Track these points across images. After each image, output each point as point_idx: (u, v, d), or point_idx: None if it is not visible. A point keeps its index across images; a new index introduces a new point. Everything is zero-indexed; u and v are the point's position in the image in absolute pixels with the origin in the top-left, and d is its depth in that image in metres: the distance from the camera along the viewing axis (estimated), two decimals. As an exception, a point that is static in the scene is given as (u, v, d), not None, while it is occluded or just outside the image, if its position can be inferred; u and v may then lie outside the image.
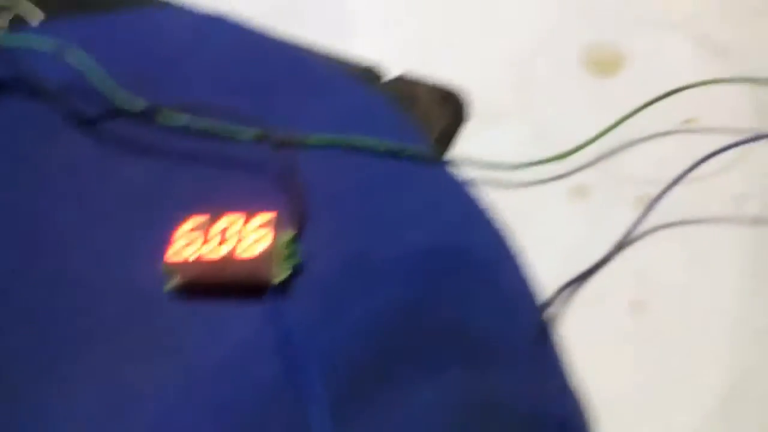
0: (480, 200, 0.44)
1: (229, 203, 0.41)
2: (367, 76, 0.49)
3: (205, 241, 0.39)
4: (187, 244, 0.39)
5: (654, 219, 0.43)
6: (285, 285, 0.39)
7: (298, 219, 0.41)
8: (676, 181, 0.43)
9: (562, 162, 0.45)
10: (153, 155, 0.45)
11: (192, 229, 0.40)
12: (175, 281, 0.39)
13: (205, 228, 0.40)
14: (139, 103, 0.45)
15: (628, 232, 0.43)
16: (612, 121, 0.46)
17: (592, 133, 0.45)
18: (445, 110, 0.48)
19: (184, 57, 0.49)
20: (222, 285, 0.39)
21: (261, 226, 0.39)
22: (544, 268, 0.41)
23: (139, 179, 0.44)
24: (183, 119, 0.45)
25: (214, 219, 0.40)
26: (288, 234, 0.40)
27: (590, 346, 0.39)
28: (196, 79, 0.48)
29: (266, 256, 0.38)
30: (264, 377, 0.37)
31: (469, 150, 0.46)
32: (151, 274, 0.40)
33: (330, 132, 0.45)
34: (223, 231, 0.39)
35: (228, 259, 0.38)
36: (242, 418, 0.36)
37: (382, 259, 0.41)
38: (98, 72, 0.46)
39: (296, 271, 0.40)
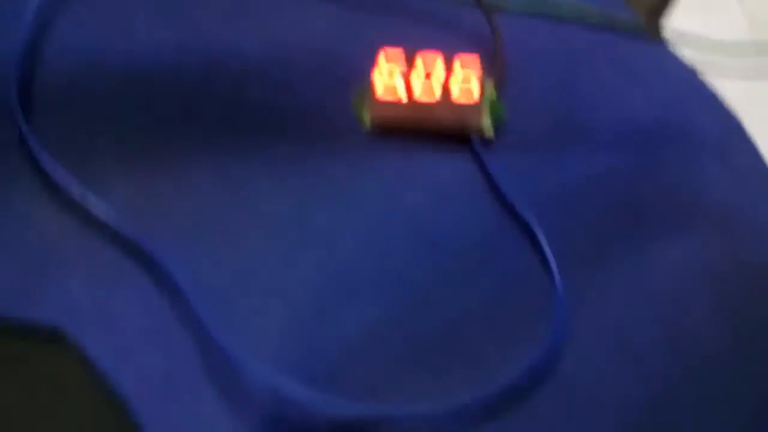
0: (705, 82, 0.39)
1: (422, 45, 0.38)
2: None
3: (408, 80, 0.37)
4: (389, 83, 0.37)
5: None
6: (491, 136, 0.37)
7: (499, 68, 0.38)
8: None
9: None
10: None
11: (390, 66, 0.37)
12: (378, 119, 0.37)
13: (406, 66, 0.37)
14: None
15: None
16: None
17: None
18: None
19: None
20: (427, 129, 0.37)
21: (464, 69, 0.37)
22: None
23: (321, 18, 0.41)
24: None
25: (411, 57, 0.37)
26: (490, 83, 0.37)
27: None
28: None
29: (477, 104, 0.36)
30: (476, 221, 0.35)
31: (679, 30, 0.41)
32: (344, 108, 0.37)
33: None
34: (427, 71, 0.37)
35: (441, 104, 0.36)
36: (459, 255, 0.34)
37: (596, 125, 0.37)
38: None
39: (501, 124, 0.37)
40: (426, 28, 0.40)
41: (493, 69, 0.38)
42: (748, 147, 0.37)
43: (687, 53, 0.39)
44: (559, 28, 0.40)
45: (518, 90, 0.38)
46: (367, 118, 0.37)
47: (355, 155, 0.36)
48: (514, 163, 0.36)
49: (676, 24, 0.42)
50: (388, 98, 0.37)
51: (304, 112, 0.37)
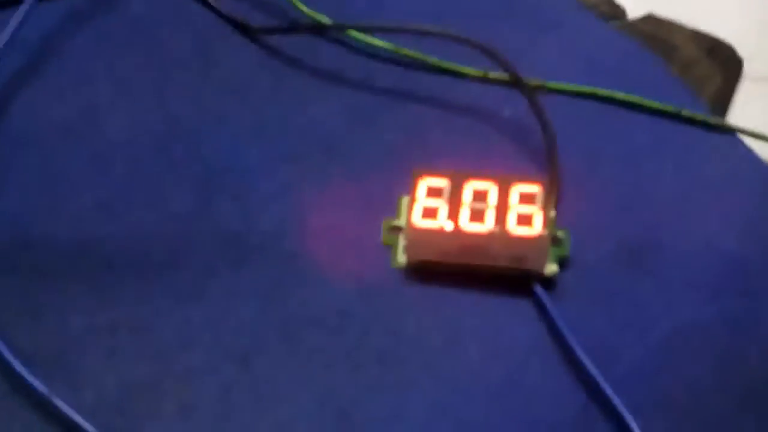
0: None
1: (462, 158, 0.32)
2: (605, 9, 0.38)
3: (455, 209, 0.30)
4: (430, 210, 0.30)
5: None
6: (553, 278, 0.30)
7: (557, 191, 0.31)
8: None
9: None
10: (344, 84, 0.35)
11: (431, 191, 0.30)
12: (415, 254, 0.30)
13: (450, 192, 0.30)
14: (322, 17, 0.36)
15: None
16: None
17: None
18: (715, 66, 0.36)
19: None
20: (474, 270, 0.29)
21: (524, 200, 0.30)
22: None
23: (330, 116, 0.34)
24: (382, 41, 0.35)
25: (458, 182, 0.30)
26: (552, 212, 0.30)
27: None
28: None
29: (539, 241, 0.29)
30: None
31: (743, 118, 0.35)
32: (370, 244, 0.30)
33: (568, 75, 0.34)
34: (478, 199, 0.30)
35: (493, 237, 0.29)
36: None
37: (670, 257, 0.30)
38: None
39: (564, 261, 0.30)
40: (454, 126, 0.34)
41: (550, 185, 0.31)
42: None
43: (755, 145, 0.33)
44: (616, 122, 0.34)
45: (576, 210, 0.31)
46: (400, 254, 0.30)
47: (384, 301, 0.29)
48: (584, 314, 0.29)
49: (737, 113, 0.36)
50: (428, 226, 0.29)
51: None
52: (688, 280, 0.30)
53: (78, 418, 0.27)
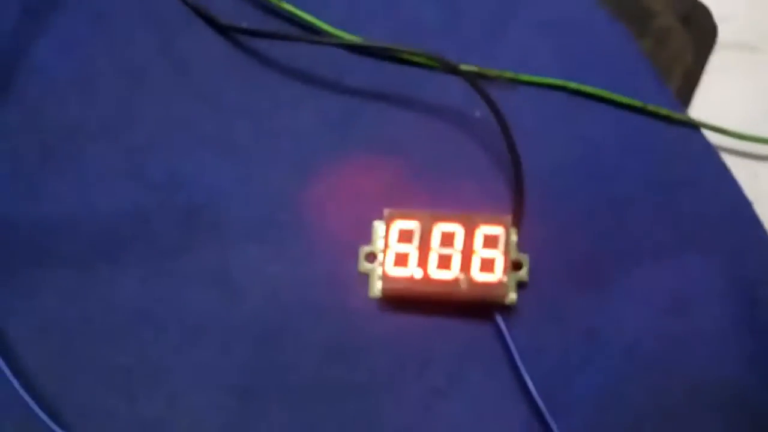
0: (740, 190, 0.34)
1: (425, 172, 0.34)
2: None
3: (424, 255, 0.32)
4: (401, 255, 0.32)
5: None
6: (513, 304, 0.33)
7: (520, 216, 0.33)
8: None
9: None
10: (315, 87, 0.35)
11: (402, 235, 0.33)
12: (389, 293, 0.33)
13: (420, 236, 0.32)
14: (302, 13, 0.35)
15: None
16: None
17: None
18: (690, 35, 0.35)
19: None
20: (444, 304, 0.33)
21: (488, 243, 0.32)
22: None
23: (304, 124, 0.35)
24: (353, 37, 0.35)
25: (427, 225, 0.32)
26: (513, 234, 0.33)
27: None
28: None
29: (500, 285, 0.32)
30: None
31: (711, 100, 0.35)
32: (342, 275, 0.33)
33: (540, 60, 0.35)
34: (445, 243, 0.32)
35: (460, 280, 0.32)
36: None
37: (631, 276, 0.33)
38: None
39: (524, 284, 0.33)
40: (422, 139, 0.35)
41: (514, 212, 0.33)
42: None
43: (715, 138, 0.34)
44: (584, 115, 0.35)
45: (538, 229, 0.33)
46: (376, 288, 0.33)
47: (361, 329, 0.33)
48: (540, 336, 0.33)
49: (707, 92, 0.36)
50: (399, 274, 0.32)
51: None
52: (637, 297, 0.33)
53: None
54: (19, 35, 0.36)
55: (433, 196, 0.34)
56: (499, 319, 0.33)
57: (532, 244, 0.33)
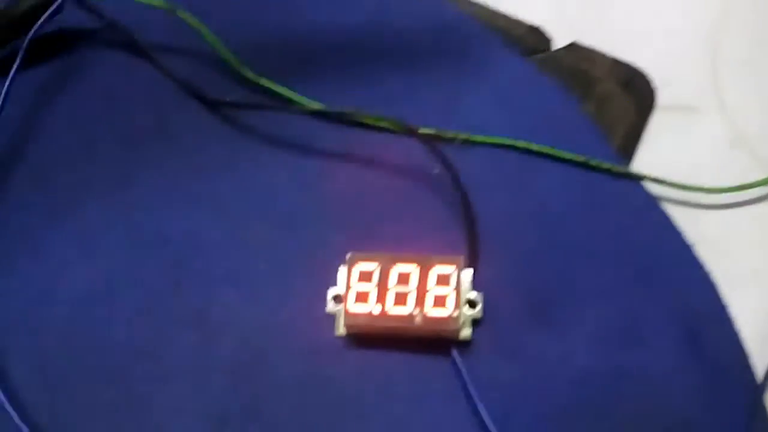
0: (681, 234, 0.37)
1: (388, 223, 0.38)
2: (531, 40, 0.41)
3: (382, 293, 0.35)
4: (362, 293, 0.36)
5: None
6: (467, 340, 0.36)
7: (474, 258, 0.37)
8: None
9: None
10: (291, 151, 0.40)
11: (363, 275, 0.36)
12: (352, 329, 0.36)
13: (379, 276, 0.36)
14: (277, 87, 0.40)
15: None
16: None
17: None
18: (631, 99, 0.39)
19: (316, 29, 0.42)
20: (403, 338, 0.36)
21: (441, 281, 0.35)
22: (751, 320, 0.35)
23: (281, 183, 0.39)
24: (321, 106, 0.39)
25: (386, 266, 0.36)
26: (468, 274, 0.36)
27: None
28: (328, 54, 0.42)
29: (452, 320, 0.35)
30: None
31: (654, 155, 0.39)
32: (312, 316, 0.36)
33: (492, 122, 0.38)
34: (402, 282, 0.35)
35: (414, 317, 0.35)
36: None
37: (581, 313, 0.36)
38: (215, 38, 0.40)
39: (478, 322, 0.36)
40: (384, 192, 0.38)
41: (468, 253, 0.36)
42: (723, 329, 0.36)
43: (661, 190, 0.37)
44: (531, 173, 0.38)
45: (492, 265, 0.37)
46: (341, 327, 0.36)
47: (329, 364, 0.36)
48: (494, 369, 0.35)
49: (649, 148, 0.39)
50: (360, 311, 0.35)
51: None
52: (586, 333, 0.36)
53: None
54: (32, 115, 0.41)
55: (397, 243, 0.37)
56: (455, 354, 0.35)
57: (488, 284, 0.36)
